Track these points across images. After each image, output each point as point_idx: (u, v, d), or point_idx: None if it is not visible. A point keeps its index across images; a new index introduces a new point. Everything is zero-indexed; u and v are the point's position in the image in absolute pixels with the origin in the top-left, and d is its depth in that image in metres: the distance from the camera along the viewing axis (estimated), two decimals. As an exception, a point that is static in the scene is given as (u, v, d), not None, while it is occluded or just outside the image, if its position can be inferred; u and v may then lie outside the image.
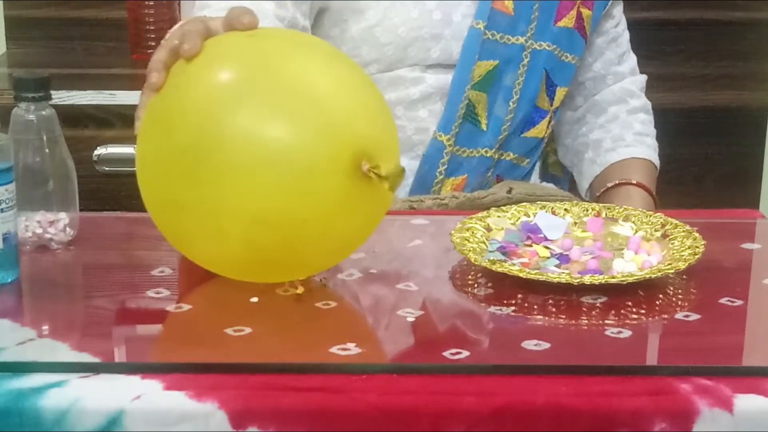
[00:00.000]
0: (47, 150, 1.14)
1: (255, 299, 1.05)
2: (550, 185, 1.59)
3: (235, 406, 0.86)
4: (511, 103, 1.49)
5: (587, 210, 1.23)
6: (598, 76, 1.60)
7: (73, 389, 0.87)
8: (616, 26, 1.60)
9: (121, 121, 2.13)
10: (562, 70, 1.53)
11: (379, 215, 1.05)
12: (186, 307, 1.03)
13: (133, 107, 2.29)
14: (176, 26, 1.13)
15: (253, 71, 1.00)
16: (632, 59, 1.63)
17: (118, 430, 0.86)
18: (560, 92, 1.54)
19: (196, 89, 1.01)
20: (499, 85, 1.49)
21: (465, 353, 0.93)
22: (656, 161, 1.56)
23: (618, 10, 1.61)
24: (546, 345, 0.95)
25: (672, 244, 1.15)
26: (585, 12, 1.53)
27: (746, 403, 0.88)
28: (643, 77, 1.63)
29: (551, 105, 1.53)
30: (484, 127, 1.49)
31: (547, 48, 1.50)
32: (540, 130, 1.54)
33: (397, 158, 1.03)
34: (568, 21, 1.51)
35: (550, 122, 1.55)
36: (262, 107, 0.98)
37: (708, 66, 2.52)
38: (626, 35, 1.62)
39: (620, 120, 1.58)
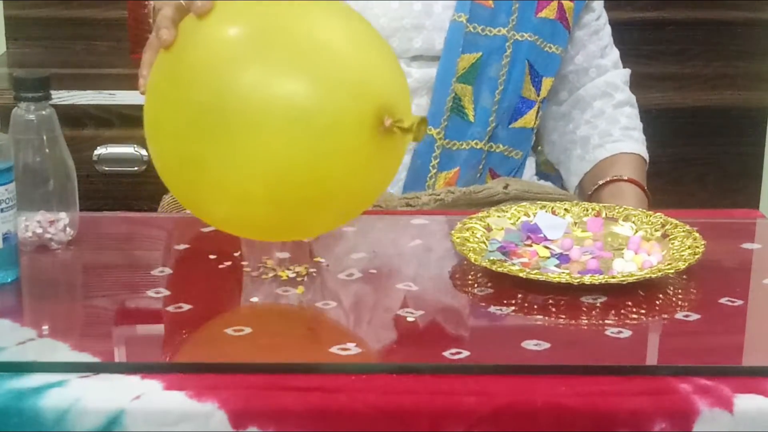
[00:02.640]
0: (47, 150, 1.14)
1: (255, 299, 1.05)
2: (548, 183, 1.59)
3: (234, 406, 0.86)
4: (496, 94, 1.50)
5: (587, 210, 1.23)
6: (581, 68, 1.60)
7: (73, 389, 0.87)
8: (597, 19, 1.61)
9: (121, 121, 2.13)
10: (545, 61, 1.53)
11: (394, 170, 1.06)
12: (186, 307, 1.03)
13: (134, 107, 2.30)
14: None
15: (270, 28, 1.00)
16: (615, 53, 1.63)
17: (118, 430, 0.86)
18: (546, 82, 1.54)
19: (214, 46, 1.01)
20: (483, 77, 1.50)
21: (465, 353, 0.93)
22: (645, 154, 1.56)
23: (598, 4, 1.61)
24: (546, 345, 0.95)
25: (672, 244, 1.15)
26: (567, 4, 1.54)
27: (746, 403, 0.88)
28: (627, 71, 1.63)
29: (538, 95, 1.54)
30: (471, 118, 1.49)
31: (528, 39, 1.51)
32: (528, 120, 1.54)
33: (410, 111, 1.03)
34: (549, 12, 1.52)
35: (538, 112, 1.55)
36: (283, 64, 0.98)
37: (708, 66, 2.52)
38: (608, 29, 1.63)
39: (606, 115, 1.58)
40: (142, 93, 1.08)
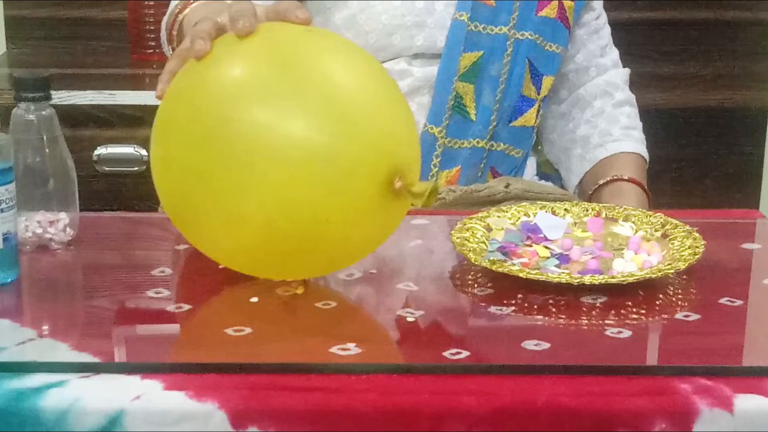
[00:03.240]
0: (47, 150, 1.14)
1: (255, 299, 1.05)
2: (549, 183, 1.59)
3: (235, 406, 0.86)
4: (497, 93, 1.51)
5: (587, 210, 1.23)
6: (581, 67, 1.61)
7: (73, 389, 0.87)
8: (597, 18, 1.61)
9: (121, 121, 2.13)
10: (546, 59, 1.54)
11: (391, 229, 1.06)
12: (186, 307, 1.03)
13: (134, 107, 2.31)
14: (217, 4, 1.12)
15: (304, 66, 1.00)
16: (614, 52, 1.64)
17: (118, 430, 0.86)
18: (547, 81, 1.55)
19: (247, 68, 1.01)
20: (485, 76, 1.50)
21: (465, 353, 0.93)
22: (645, 154, 1.57)
23: (598, 4, 1.62)
24: (546, 345, 0.95)
25: (672, 244, 1.15)
26: (567, 3, 1.54)
27: (746, 403, 0.88)
28: (627, 70, 1.64)
29: (538, 94, 1.54)
30: (473, 117, 1.50)
31: (529, 37, 1.52)
32: (528, 119, 1.55)
33: (418, 177, 1.04)
34: (549, 11, 1.53)
35: (538, 111, 1.56)
36: (310, 102, 0.98)
37: (708, 66, 2.52)
38: (607, 29, 1.63)
39: (606, 114, 1.59)
40: (159, 98, 1.08)
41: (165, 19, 1.44)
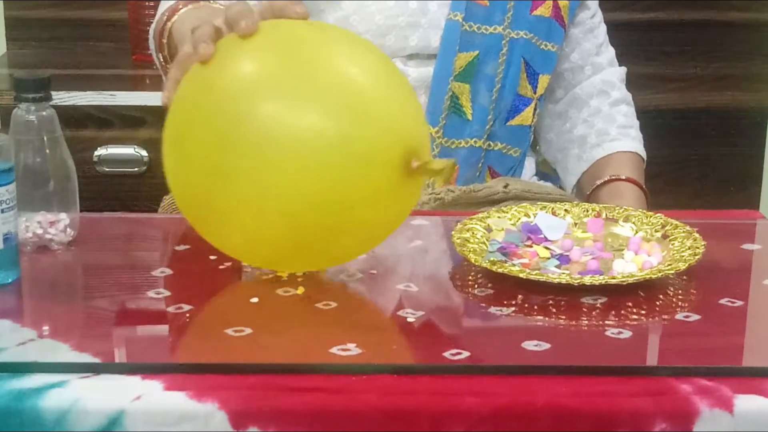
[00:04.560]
0: (48, 150, 1.14)
1: (255, 299, 1.05)
2: (548, 184, 1.59)
3: (235, 406, 0.86)
4: (494, 92, 1.51)
5: (587, 211, 1.23)
6: (576, 66, 1.61)
7: (74, 390, 0.87)
8: (592, 17, 1.62)
9: (121, 121, 2.13)
10: (541, 58, 1.54)
11: (409, 209, 1.08)
12: (186, 307, 1.03)
13: (134, 108, 2.31)
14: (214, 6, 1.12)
15: (315, 58, 1.01)
16: (610, 51, 1.64)
17: (119, 431, 0.86)
18: (543, 79, 1.55)
19: (253, 66, 1.02)
20: (480, 75, 1.50)
21: (465, 353, 0.93)
22: (642, 153, 1.57)
23: (593, 3, 1.63)
24: (546, 345, 0.95)
25: (672, 244, 1.15)
26: (562, 2, 1.55)
27: (746, 403, 0.88)
28: (623, 69, 1.64)
29: (535, 92, 1.55)
30: (469, 117, 1.50)
31: (524, 36, 1.52)
32: (525, 117, 1.55)
33: (430, 155, 1.06)
34: (543, 10, 1.53)
35: (535, 110, 1.56)
36: (322, 92, 0.99)
37: (708, 67, 2.52)
38: (603, 27, 1.64)
39: (603, 113, 1.59)
40: (166, 106, 1.08)
41: (152, 27, 1.44)
